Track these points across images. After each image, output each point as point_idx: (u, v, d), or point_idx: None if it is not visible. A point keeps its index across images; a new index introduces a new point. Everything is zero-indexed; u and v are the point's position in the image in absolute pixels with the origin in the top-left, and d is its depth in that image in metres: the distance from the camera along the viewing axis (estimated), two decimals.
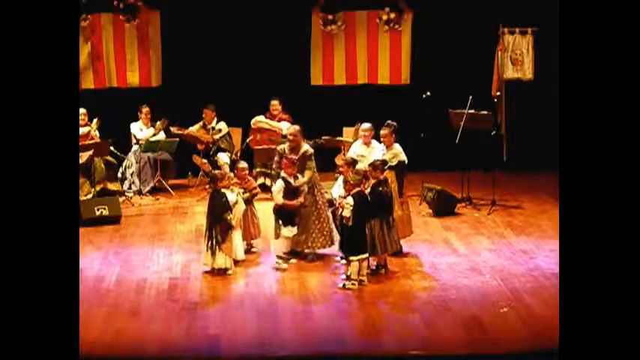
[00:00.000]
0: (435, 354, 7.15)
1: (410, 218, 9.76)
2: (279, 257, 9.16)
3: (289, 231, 9.19)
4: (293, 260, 9.32)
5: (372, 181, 8.80)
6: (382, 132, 9.55)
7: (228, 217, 8.87)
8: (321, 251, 9.51)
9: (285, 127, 11.60)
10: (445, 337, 7.41)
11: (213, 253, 8.89)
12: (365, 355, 7.18)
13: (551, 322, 7.26)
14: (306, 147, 9.55)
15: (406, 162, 9.47)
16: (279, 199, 9.16)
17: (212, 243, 8.89)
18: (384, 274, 8.89)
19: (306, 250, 9.42)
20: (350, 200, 8.49)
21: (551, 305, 7.86)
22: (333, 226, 9.40)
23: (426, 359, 7.11)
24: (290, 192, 9.19)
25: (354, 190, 8.55)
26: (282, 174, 9.26)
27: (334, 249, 9.33)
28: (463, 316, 7.81)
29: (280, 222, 9.20)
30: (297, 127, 9.64)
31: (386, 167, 9.16)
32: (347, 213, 8.47)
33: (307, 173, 9.36)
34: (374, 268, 8.93)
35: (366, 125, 9.72)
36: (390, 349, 7.21)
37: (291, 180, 9.19)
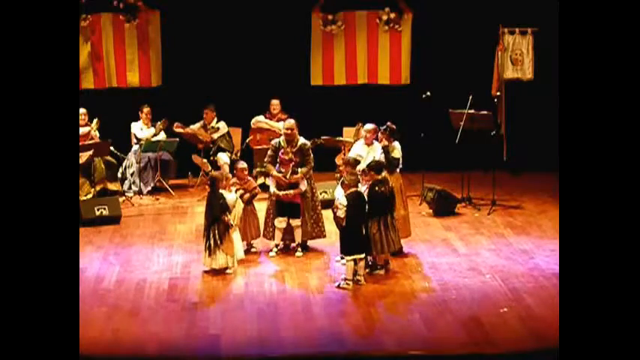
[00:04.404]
0: (435, 354, 7.15)
1: (408, 218, 9.76)
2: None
3: (280, 221, 9.45)
4: (299, 253, 9.51)
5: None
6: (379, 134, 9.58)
7: (226, 218, 8.88)
8: (320, 248, 9.61)
9: None
10: (445, 337, 7.41)
11: (210, 254, 8.90)
12: (365, 355, 7.17)
13: (551, 322, 7.26)
14: (303, 140, 9.58)
15: (399, 159, 9.46)
16: (274, 191, 9.44)
17: (210, 244, 8.90)
18: (383, 274, 8.88)
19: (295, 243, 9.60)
20: (343, 201, 8.47)
21: (551, 305, 7.85)
22: (323, 218, 9.61)
23: (426, 359, 7.11)
24: (283, 186, 9.38)
25: (349, 191, 8.54)
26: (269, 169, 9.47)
27: (334, 249, 9.35)
28: (463, 316, 7.80)
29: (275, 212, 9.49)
30: (292, 120, 9.65)
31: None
32: (340, 214, 8.46)
33: (306, 167, 9.43)
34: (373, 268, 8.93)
35: (370, 126, 9.68)
36: (390, 349, 7.20)
37: (287, 175, 9.36)
